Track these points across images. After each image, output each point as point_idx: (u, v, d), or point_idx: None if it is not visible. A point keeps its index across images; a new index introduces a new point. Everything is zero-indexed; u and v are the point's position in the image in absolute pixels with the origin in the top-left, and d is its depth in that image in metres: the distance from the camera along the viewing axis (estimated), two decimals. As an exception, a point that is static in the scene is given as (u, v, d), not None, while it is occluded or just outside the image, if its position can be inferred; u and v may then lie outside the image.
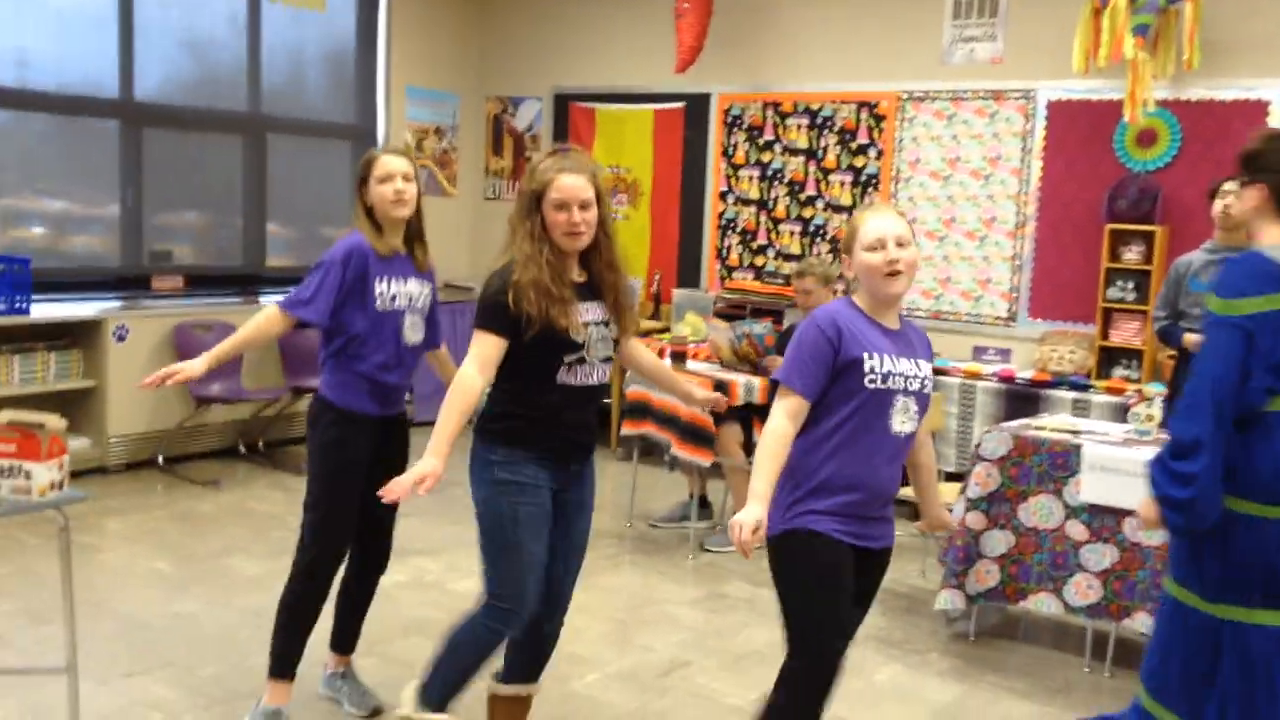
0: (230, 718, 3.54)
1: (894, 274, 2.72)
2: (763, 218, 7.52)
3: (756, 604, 4.75)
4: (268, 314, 3.34)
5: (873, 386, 2.67)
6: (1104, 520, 4.13)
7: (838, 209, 7.20)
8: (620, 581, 5.03)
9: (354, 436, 3.38)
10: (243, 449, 6.91)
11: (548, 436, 2.94)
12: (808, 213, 7.33)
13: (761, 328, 5.64)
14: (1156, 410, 4.38)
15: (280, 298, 3.35)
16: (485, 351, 2.85)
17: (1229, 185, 4.77)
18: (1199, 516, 2.49)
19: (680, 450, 5.38)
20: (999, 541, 4.33)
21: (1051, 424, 4.50)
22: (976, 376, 6.24)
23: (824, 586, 2.70)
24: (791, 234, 7.42)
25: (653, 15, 7.66)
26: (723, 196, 7.68)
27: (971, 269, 6.75)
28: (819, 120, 7.24)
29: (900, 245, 2.72)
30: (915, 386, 2.75)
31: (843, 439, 2.69)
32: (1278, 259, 2.63)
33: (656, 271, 7.95)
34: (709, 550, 5.47)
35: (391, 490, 2.69)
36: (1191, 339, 4.73)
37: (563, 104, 8.36)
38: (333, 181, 8.13)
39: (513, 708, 3.25)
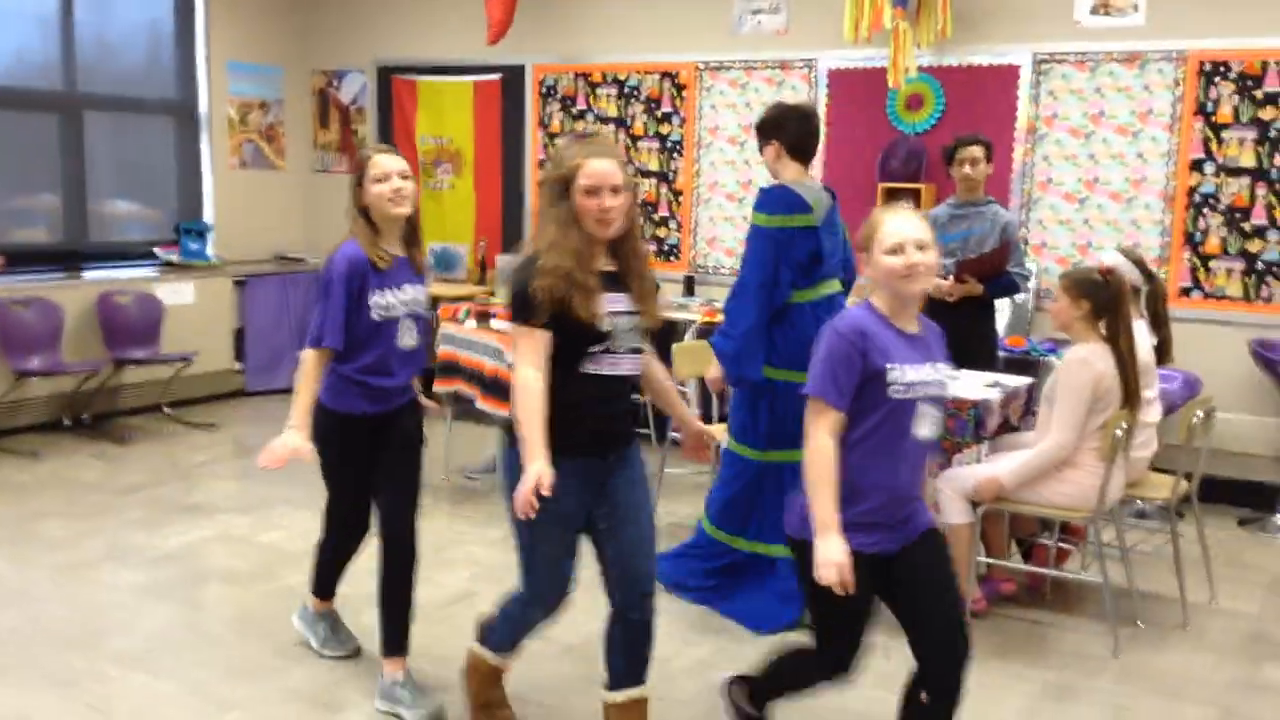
0: (26, 665, 3.77)
1: (914, 277, 2.69)
2: (579, 184, 7.86)
3: (550, 542, 5.13)
4: (309, 360, 3.36)
5: (897, 398, 2.66)
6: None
7: (646, 174, 7.58)
8: (426, 526, 5.33)
9: (345, 435, 3.47)
10: (67, 422, 7.01)
11: (574, 434, 2.86)
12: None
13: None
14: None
15: (308, 339, 3.39)
16: (533, 345, 2.81)
17: (965, 151, 5.28)
18: (742, 366, 3.85)
19: (484, 403, 5.71)
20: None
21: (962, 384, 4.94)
22: (768, 327, 6.70)
23: (849, 601, 2.68)
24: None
25: (467, -11, 7.91)
26: (541, 165, 7.99)
27: (734, 230, 7.19)
28: (627, 90, 7.60)
29: (920, 249, 2.69)
30: (935, 392, 2.74)
31: (867, 449, 2.69)
32: (797, 190, 3.93)
33: (481, 238, 8.24)
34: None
35: (520, 505, 2.71)
36: (936, 284, 5.23)
37: (386, 76, 8.56)
38: (156, 157, 8.21)
39: (628, 713, 3.15)
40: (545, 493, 2.67)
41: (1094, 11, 6.10)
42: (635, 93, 7.56)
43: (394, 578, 3.54)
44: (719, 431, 4.47)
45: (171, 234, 8.12)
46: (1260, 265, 5.83)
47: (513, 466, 2.86)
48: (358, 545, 3.79)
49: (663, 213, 7.53)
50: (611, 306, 2.87)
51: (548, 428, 2.78)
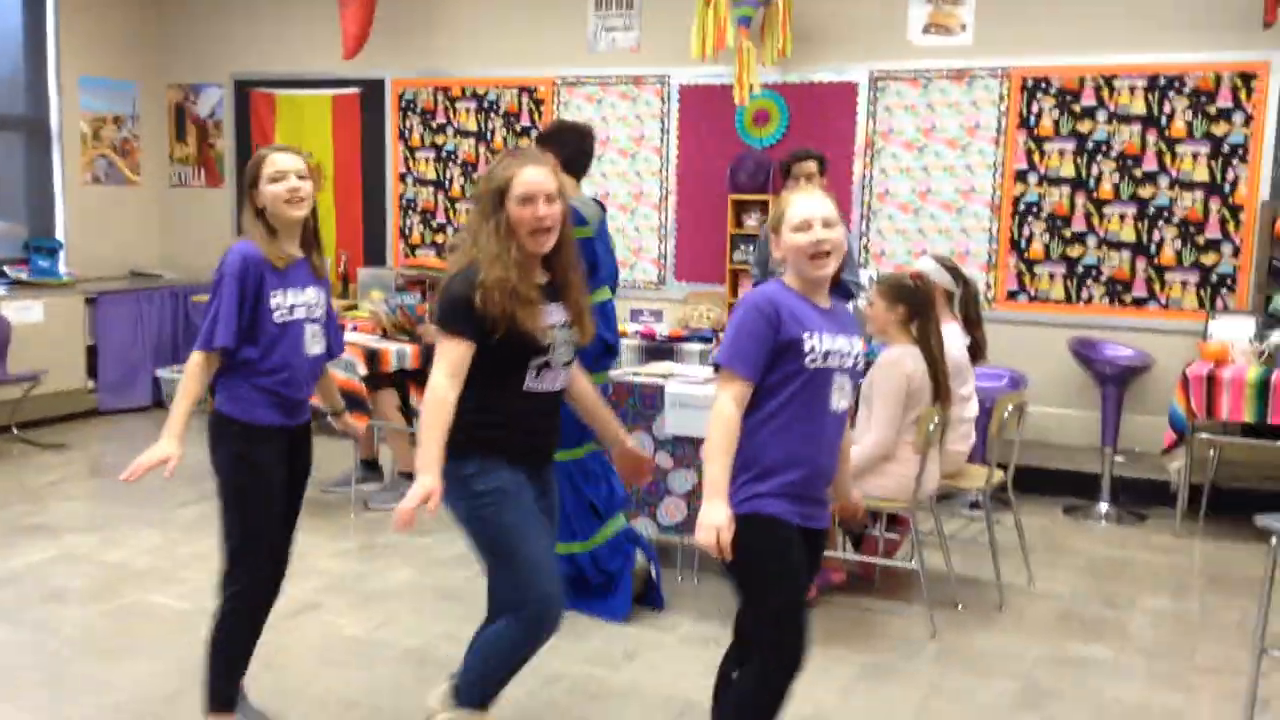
0: None
1: (821, 255, 2.69)
2: (440, 197, 7.94)
3: (402, 550, 5.19)
4: (194, 363, 3.14)
5: (814, 366, 2.66)
6: (685, 449, 4.76)
7: (507, 187, 7.68)
8: (277, 540, 5.37)
9: (262, 449, 3.18)
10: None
11: (518, 444, 2.88)
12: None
13: (412, 299, 6.07)
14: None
15: (197, 341, 3.17)
16: (455, 357, 2.77)
17: (799, 167, 5.51)
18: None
19: (334, 417, 5.73)
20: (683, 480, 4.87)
21: (646, 370, 5.11)
22: (624, 335, 6.86)
23: (787, 570, 2.71)
24: (468, 212, 7.86)
25: (325, 1, 7.92)
26: (402, 178, 8.04)
27: (625, 239, 7.38)
28: (486, 104, 7.70)
29: (827, 225, 2.69)
30: (850, 364, 2.75)
31: (786, 419, 2.68)
32: (573, 204, 3.81)
33: (343, 252, 8.25)
34: (372, 508, 5.86)
35: (398, 522, 2.61)
36: None
37: (243, 91, 8.51)
38: (5, 174, 8.03)
39: None
40: (430, 512, 2.63)
41: (925, 31, 6.42)
42: (494, 107, 7.67)
43: (249, 611, 3.28)
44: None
45: (21, 252, 7.94)
46: (1080, 269, 6.20)
47: (456, 476, 2.79)
48: (277, 592, 3.35)
49: (522, 225, 7.64)
50: (550, 319, 2.86)
51: (494, 442, 2.82)
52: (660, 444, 4.81)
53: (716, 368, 2.72)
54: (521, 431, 2.89)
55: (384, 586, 4.74)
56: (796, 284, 2.76)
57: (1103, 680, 3.96)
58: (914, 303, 4.30)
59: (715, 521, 2.60)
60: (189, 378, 3.12)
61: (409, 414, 6.03)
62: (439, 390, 2.75)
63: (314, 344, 3.28)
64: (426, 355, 5.86)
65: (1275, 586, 3.30)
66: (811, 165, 5.50)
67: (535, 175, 2.82)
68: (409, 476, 5.91)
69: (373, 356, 5.73)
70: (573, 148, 4.39)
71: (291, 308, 3.21)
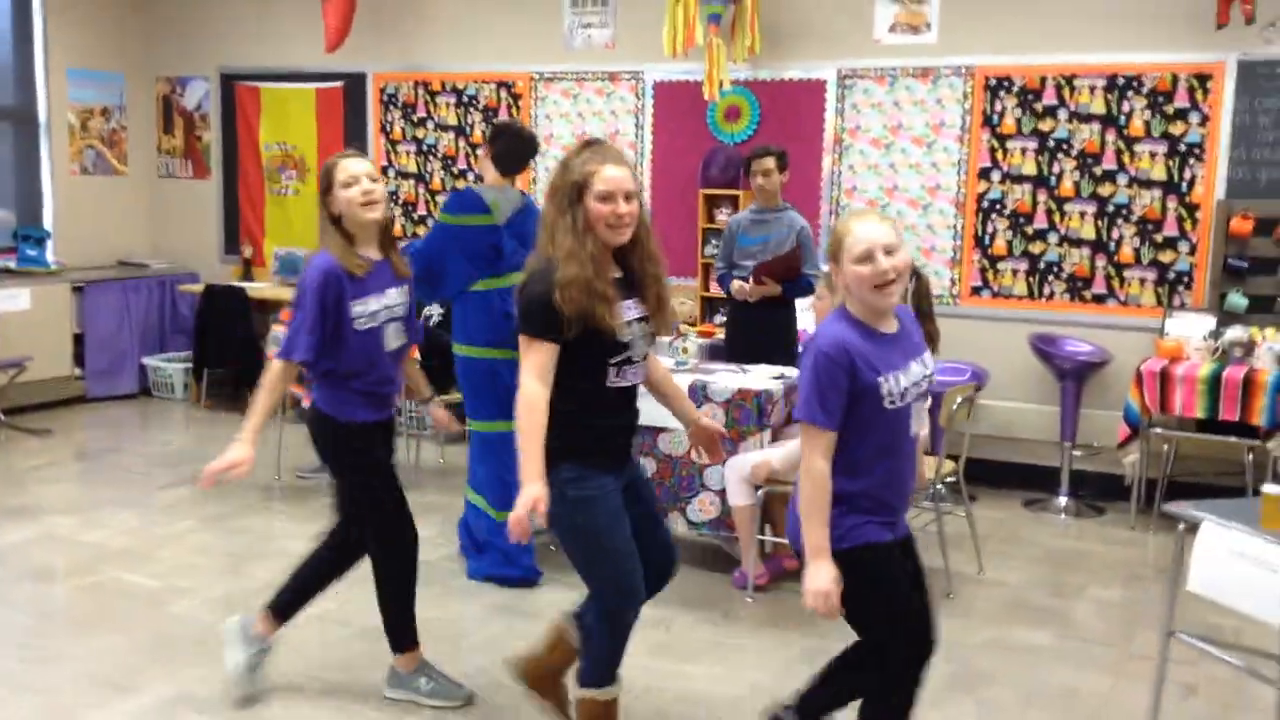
0: None
1: (886, 284, 2.61)
2: (421, 191, 8.06)
3: (371, 534, 5.33)
4: (274, 371, 3.31)
5: (893, 408, 2.62)
6: (645, 437, 4.88)
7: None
8: (250, 524, 5.52)
9: (367, 442, 3.43)
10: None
11: (606, 443, 2.88)
12: (461, 184, 7.91)
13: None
14: (691, 344, 5.19)
15: (278, 350, 3.35)
16: (541, 360, 2.76)
17: (758, 164, 5.62)
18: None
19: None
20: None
21: (609, 361, 5.24)
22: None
23: (897, 589, 2.73)
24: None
25: (308, -1, 8.05)
26: (384, 171, 8.16)
27: (602, 232, 7.49)
28: (465, 99, 7.82)
29: (889, 254, 2.60)
30: (924, 389, 2.73)
31: (873, 458, 2.65)
32: (479, 193, 4.50)
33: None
34: (346, 494, 6.00)
35: (512, 532, 2.70)
36: (737, 285, 5.58)
37: (229, 83, 8.63)
38: (-8, 163, 8.18)
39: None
40: (540, 521, 2.69)
41: (891, 30, 6.53)
42: (474, 101, 7.79)
43: (405, 574, 3.58)
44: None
45: (9, 240, 8.08)
46: (1041, 265, 6.32)
47: (552, 482, 2.80)
48: (417, 551, 3.62)
49: (501, 218, 7.77)
50: (627, 314, 2.85)
51: (582, 447, 2.83)
52: (620, 433, 4.94)
53: (788, 421, 2.78)
54: (608, 429, 2.89)
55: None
56: (861, 314, 2.66)
57: (1038, 665, 4.09)
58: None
59: (823, 586, 2.57)
60: (269, 385, 3.29)
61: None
62: (531, 395, 2.74)
63: (395, 339, 3.44)
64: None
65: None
66: (769, 162, 5.60)
67: (616, 173, 2.80)
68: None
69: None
70: (503, 146, 4.79)
71: (374, 313, 3.35)
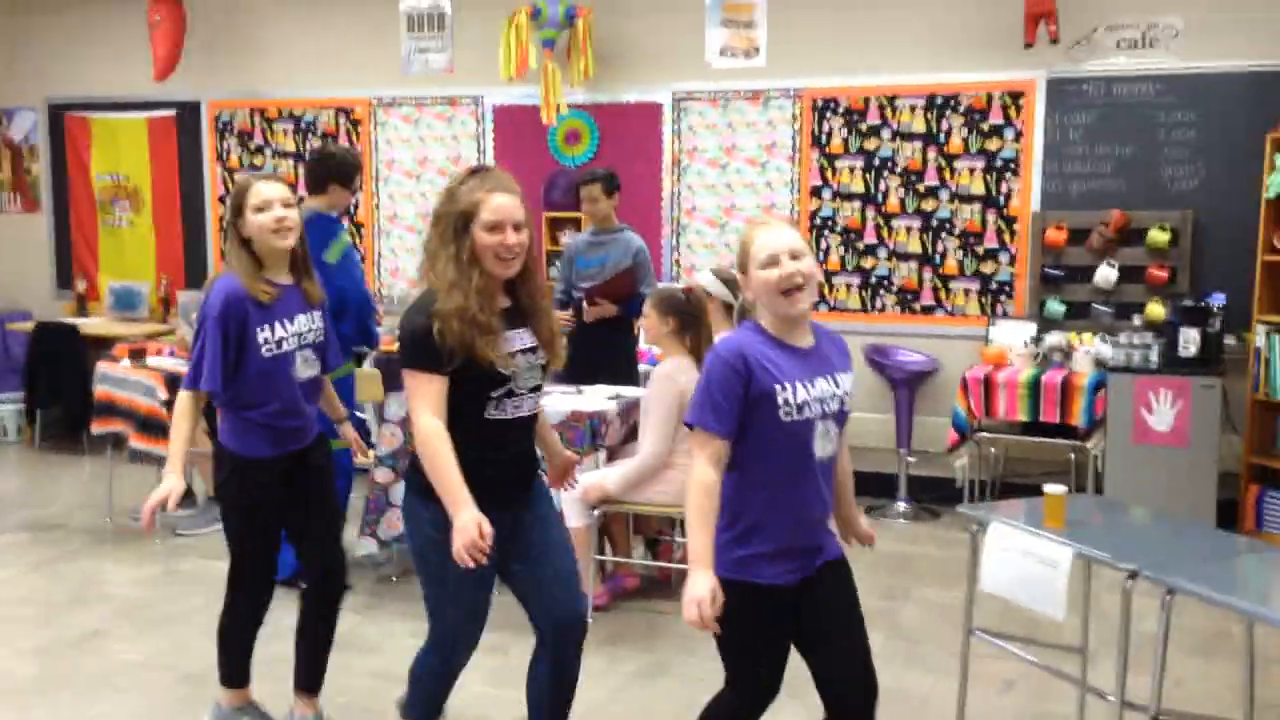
0: None
1: (793, 290, 2.51)
2: (261, 219, 7.90)
3: (204, 578, 5.16)
4: (183, 402, 3.20)
5: (789, 419, 2.50)
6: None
7: (328, 208, 7.70)
8: (72, 569, 5.31)
9: (254, 480, 3.29)
10: None
11: (480, 480, 2.69)
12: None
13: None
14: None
15: (185, 380, 3.23)
16: (430, 392, 2.66)
17: (584, 191, 5.67)
18: None
19: (138, 442, 5.70)
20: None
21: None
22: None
23: (768, 640, 2.64)
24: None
25: (138, 23, 7.81)
26: (222, 200, 7.98)
27: (448, 258, 7.45)
28: (303, 125, 7.71)
29: (794, 258, 2.51)
30: (834, 408, 2.58)
31: (767, 476, 2.54)
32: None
33: (163, 275, 8.14)
34: (181, 534, 5.82)
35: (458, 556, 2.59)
36: (586, 308, 5.60)
37: (58, 114, 8.34)
38: None
39: None
40: (485, 541, 2.56)
41: (723, 54, 6.67)
42: (312, 128, 7.68)
43: (323, 612, 3.50)
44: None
45: None
46: (873, 280, 6.51)
47: (416, 517, 2.78)
48: (269, 599, 3.52)
49: (344, 246, 7.67)
50: (513, 345, 2.76)
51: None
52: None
53: (690, 427, 2.55)
54: (491, 464, 2.75)
55: (176, 612, 4.73)
56: (771, 326, 2.58)
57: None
58: (685, 315, 4.50)
59: (698, 594, 2.42)
60: (179, 416, 3.19)
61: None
62: (429, 429, 2.64)
63: (305, 369, 3.33)
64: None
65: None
66: (595, 189, 5.64)
67: (505, 201, 2.70)
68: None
69: (175, 381, 5.68)
70: (310, 168, 4.95)
71: (280, 341, 3.22)
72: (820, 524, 2.64)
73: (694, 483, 2.49)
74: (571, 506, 4.62)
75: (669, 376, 4.44)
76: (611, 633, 4.50)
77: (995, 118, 6.21)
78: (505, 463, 2.82)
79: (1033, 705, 3.92)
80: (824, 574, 2.64)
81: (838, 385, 2.59)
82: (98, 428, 5.97)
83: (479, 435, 2.73)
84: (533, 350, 2.81)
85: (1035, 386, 5.69)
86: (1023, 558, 2.89)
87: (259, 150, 7.83)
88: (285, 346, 3.23)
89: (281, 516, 3.39)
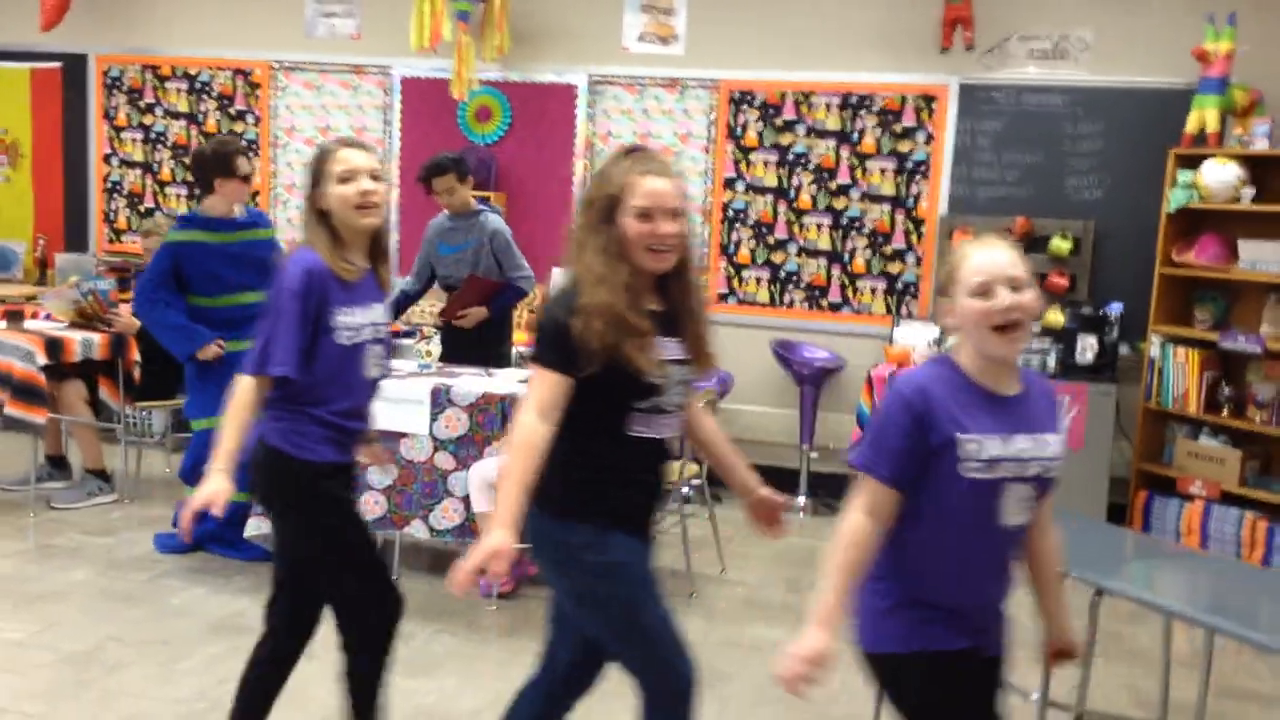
0: None
1: (1008, 327, 2.14)
2: (149, 181, 7.54)
3: (83, 552, 4.90)
4: (244, 389, 2.72)
5: (973, 476, 2.13)
6: (389, 443, 4.70)
7: (222, 174, 7.39)
8: (-61, 543, 4.98)
9: (326, 490, 2.82)
10: None
11: (626, 499, 2.45)
12: (192, 176, 7.45)
13: (107, 284, 5.74)
14: (435, 347, 5.05)
15: (248, 362, 2.74)
16: (548, 393, 2.35)
17: (436, 184, 5.30)
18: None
19: (13, 409, 5.36)
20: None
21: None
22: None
23: (973, 707, 2.24)
24: (179, 197, 7.50)
25: (21, -31, 7.40)
26: (107, 159, 7.60)
27: (347, 231, 7.22)
28: (198, 85, 7.38)
29: (1015, 289, 2.14)
30: (1034, 472, 2.17)
31: (938, 540, 2.18)
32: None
33: (40, 236, 7.71)
34: (56, 507, 5.50)
35: (457, 581, 2.22)
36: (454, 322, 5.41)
37: (-72, 58, 7.84)
38: None
39: None
40: (498, 575, 2.26)
41: (641, 39, 6.60)
42: (207, 89, 7.35)
43: (386, 641, 2.96)
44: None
45: None
46: (782, 275, 6.53)
47: (564, 547, 2.43)
48: (399, 618, 2.95)
49: (238, 214, 7.37)
50: (664, 354, 2.42)
51: (599, 503, 2.42)
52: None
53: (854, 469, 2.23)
54: (630, 487, 2.47)
55: (54, 589, 4.47)
56: (973, 364, 2.20)
57: (772, 661, 4.18)
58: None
59: (807, 654, 2.13)
60: (239, 406, 2.70)
61: (98, 407, 5.71)
62: (526, 431, 2.32)
63: (375, 367, 2.90)
64: (117, 345, 5.56)
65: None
66: (450, 180, 5.29)
67: (660, 186, 2.39)
68: (98, 474, 5.61)
69: (55, 346, 5.38)
70: (193, 175, 5.01)
71: (360, 328, 2.80)
72: (995, 611, 2.26)
73: (843, 528, 2.18)
74: (479, 492, 4.50)
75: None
76: (516, 620, 4.41)
77: (908, 120, 6.27)
78: (651, 487, 2.53)
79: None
80: (986, 668, 2.27)
81: (1042, 446, 2.18)
82: (-34, 393, 5.60)
83: (623, 454, 2.43)
84: (683, 361, 2.47)
85: (938, 386, 5.76)
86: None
87: (149, 109, 7.46)
88: (363, 335, 2.81)
89: (358, 531, 2.91)
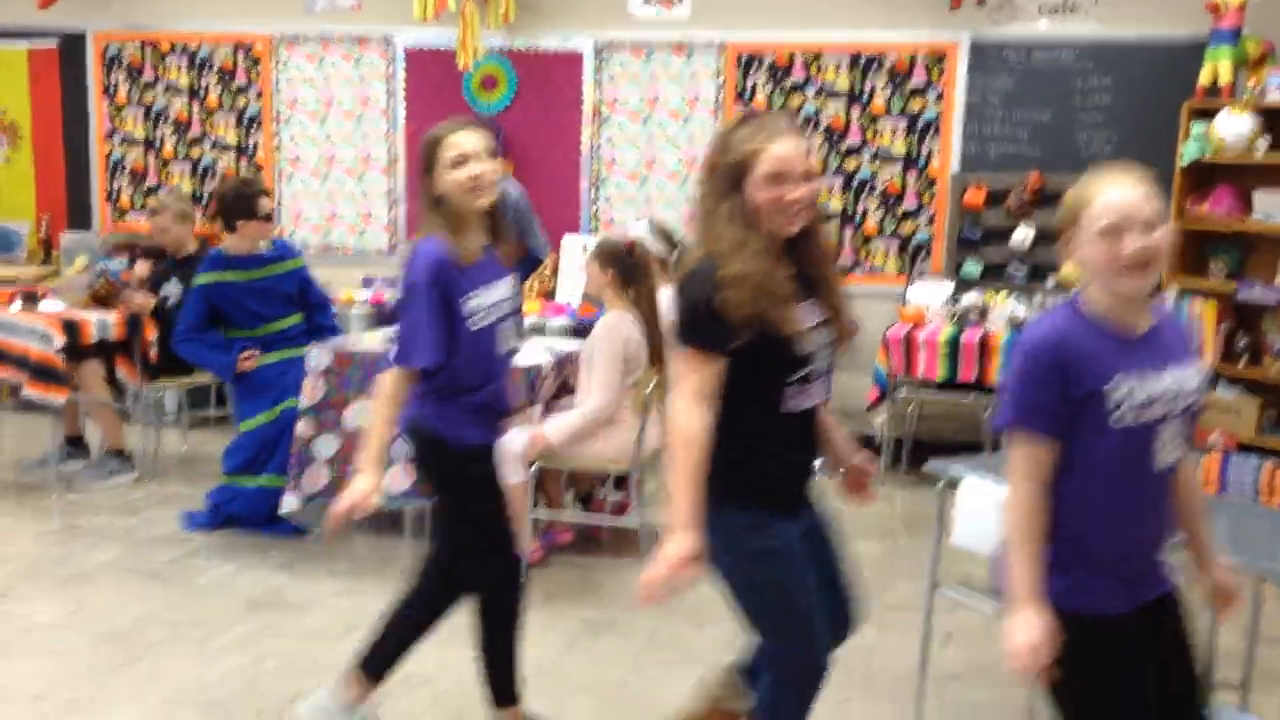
0: None
1: (1138, 266, 2.03)
2: (151, 158, 7.49)
3: (107, 531, 4.90)
4: (391, 381, 2.81)
5: (1123, 425, 2.05)
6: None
7: (225, 148, 7.34)
8: (-36, 527, 4.97)
9: (479, 468, 2.95)
10: None
11: (784, 482, 2.39)
12: (195, 152, 7.40)
13: (117, 264, 5.72)
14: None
15: (391, 356, 2.84)
16: (699, 377, 2.27)
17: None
18: None
19: (32, 390, 5.34)
20: (328, 445, 4.80)
21: (369, 336, 5.02)
22: (351, 302, 6.70)
23: (1128, 680, 2.14)
24: (182, 174, 7.45)
25: (14, -54, 7.30)
26: (108, 137, 7.53)
27: (354, 204, 7.19)
28: (198, 60, 7.30)
29: (1148, 228, 2.02)
30: (1182, 405, 2.11)
31: (1091, 491, 2.10)
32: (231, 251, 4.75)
33: (44, 215, 7.66)
34: (77, 489, 5.49)
35: (645, 597, 2.25)
36: None
37: (-77, 39, 7.74)
38: None
39: None
40: (688, 582, 2.20)
41: (646, 2, 6.54)
42: (208, 64, 7.28)
43: (515, 616, 3.10)
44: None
45: None
46: (794, 237, 6.51)
47: (725, 528, 2.35)
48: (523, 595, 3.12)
49: (243, 189, 7.33)
50: (806, 320, 2.34)
51: (756, 485, 2.35)
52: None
53: (1004, 430, 2.12)
54: (784, 465, 2.39)
55: (83, 569, 4.47)
56: (1101, 304, 2.10)
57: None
58: (625, 267, 4.41)
59: (1030, 639, 2.06)
60: (386, 400, 2.81)
61: (116, 387, 5.69)
62: (686, 421, 2.26)
63: (507, 343, 2.97)
64: (132, 325, 5.54)
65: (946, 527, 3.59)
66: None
67: (787, 149, 2.29)
68: (118, 454, 5.60)
69: (71, 327, 5.36)
70: (216, 217, 5.02)
71: (489, 308, 2.87)
72: (1151, 554, 2.19)
73: (1012, 500, 2.11)
74: (508, 462, 4.50)
75: (613, 328, 4.35)
76: (549, 589, 4.41)
77: (919, 79, 6.24)
78: (804, 463, 2.46)
79: (977, 655, 3.99)
80: (1161, 609, 2.20)
81: (1186, 379, 2.11)
82: (-14, 375, 5.58)
83: (774, 432, 2.35)
84: (824, 325, 2.38)
85: (954, 346, 5.77)
86: (999, 511, 2.88)
87: (150, 86, 7.39)
88: (491, 316, 2.89)
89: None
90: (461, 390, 2.86)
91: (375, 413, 2.83)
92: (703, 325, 2.27)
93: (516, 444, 4.47)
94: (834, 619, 2.56)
